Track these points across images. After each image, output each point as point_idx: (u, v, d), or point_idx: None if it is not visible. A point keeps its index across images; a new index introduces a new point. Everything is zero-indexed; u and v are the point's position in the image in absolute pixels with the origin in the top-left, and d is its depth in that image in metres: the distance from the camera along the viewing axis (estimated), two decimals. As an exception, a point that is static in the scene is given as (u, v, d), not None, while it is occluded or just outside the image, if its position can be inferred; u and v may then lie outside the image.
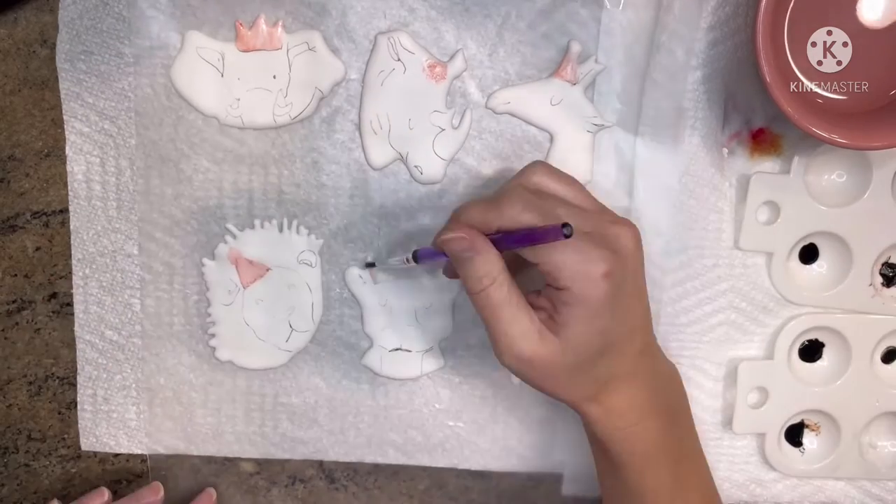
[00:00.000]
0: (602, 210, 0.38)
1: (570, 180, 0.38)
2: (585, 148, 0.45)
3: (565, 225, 0.31)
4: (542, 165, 0.38)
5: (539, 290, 0.37)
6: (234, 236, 0.46)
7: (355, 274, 0.46)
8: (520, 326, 0.35)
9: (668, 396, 0.40)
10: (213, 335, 0.47)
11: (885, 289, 0.46)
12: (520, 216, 0.35)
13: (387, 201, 0.45)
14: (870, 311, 0.46)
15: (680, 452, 0.40)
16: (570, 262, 0.34)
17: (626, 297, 0.36)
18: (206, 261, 0.46)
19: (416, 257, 0.41)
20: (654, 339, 0.40)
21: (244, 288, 0.46)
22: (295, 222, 0.46)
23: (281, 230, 0.46)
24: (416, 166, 0.45)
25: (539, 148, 0.45)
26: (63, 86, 0.44)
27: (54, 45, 0.44)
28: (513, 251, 0.36)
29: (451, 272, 0.42)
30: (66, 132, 0.45)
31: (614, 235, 0.36)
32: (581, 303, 0.35)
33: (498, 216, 0.35)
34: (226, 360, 0.47)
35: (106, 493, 0.47)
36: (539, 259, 0.35)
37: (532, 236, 0.34)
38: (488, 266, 0.35)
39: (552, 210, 0.35)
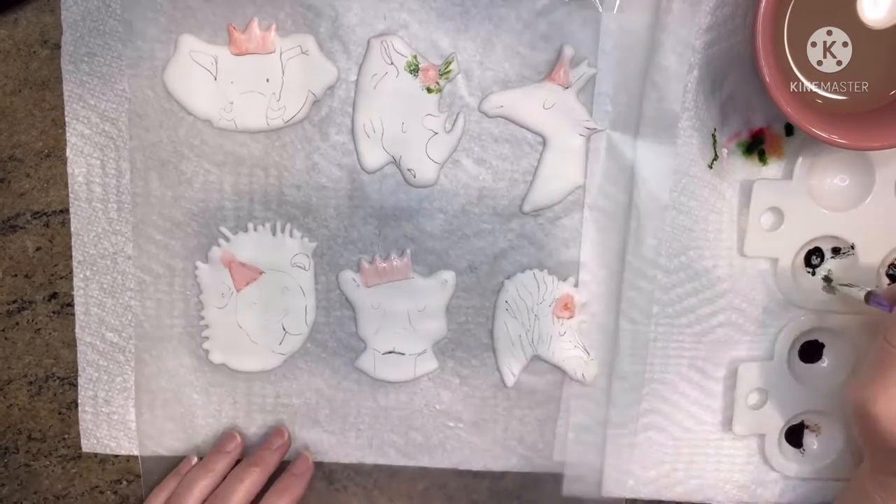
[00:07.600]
0: None
1: None
2: (578, 151, 0.45)
3: None
4: None
5: None
6: (228, 239, 0.46)
7: (348, 276, 0.46)
8: None
9: None
10: (206, 338, 0.47)
11: None
12: None
13: (386, 203, 0.45)
14: (876, 314, 0.46)
15: None
16: None
17: None
18: (199, 264, 0.46)
19: (868, 298, 0.42)
20: None
21: (237, 291, 0.46)
22: (289, 225, 0.46)
23: (274, 233, 0.46)
24: (409, 169, 0.45)
25: (536, 150, 0.45)
26: (66, 87, 0.44)
27: (55, 45, 0.44)
28: None
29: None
30: (68, 134, 0.45)
31: None
32: None
33: None
34: (219, 363, 0.47)
35: (237, 437, 0.47)
36: None
37: None
38: None
39: None
